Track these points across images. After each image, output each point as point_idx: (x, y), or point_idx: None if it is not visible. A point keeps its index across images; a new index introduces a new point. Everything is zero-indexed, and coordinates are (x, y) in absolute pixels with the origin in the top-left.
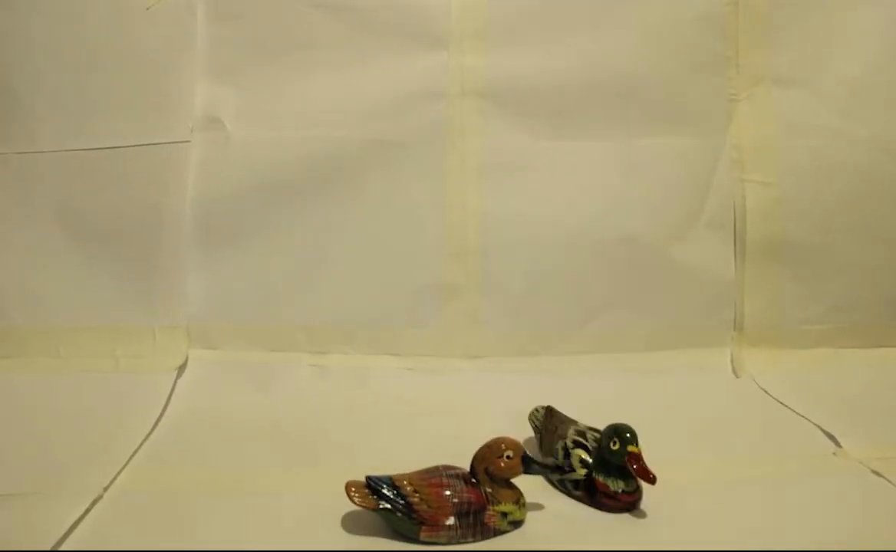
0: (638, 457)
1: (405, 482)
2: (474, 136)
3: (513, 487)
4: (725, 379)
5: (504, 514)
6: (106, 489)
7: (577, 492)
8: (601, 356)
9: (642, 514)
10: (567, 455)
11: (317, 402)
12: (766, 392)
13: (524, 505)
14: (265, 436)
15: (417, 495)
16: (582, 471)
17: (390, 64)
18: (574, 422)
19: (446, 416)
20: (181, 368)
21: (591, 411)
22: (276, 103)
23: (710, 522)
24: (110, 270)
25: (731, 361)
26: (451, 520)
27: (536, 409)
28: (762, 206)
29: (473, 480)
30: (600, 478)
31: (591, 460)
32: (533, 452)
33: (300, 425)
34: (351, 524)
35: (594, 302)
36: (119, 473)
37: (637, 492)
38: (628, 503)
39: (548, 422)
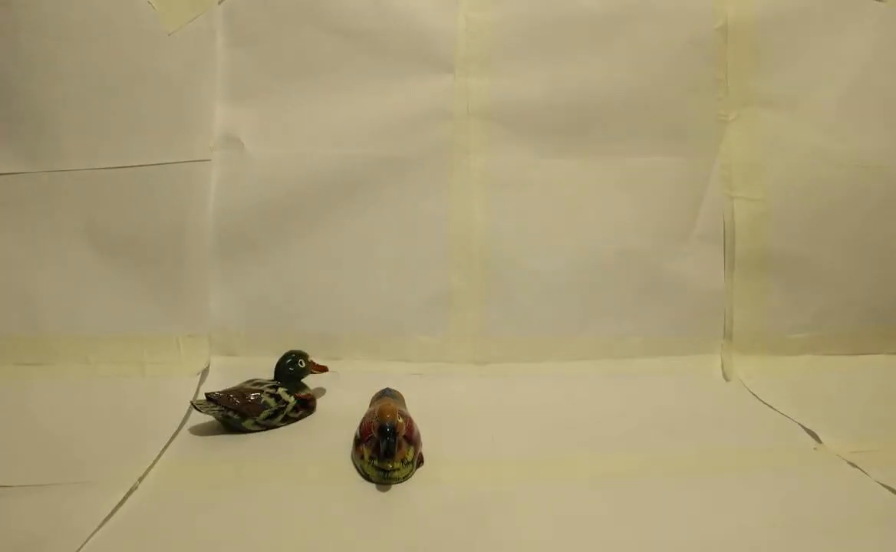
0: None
1: None
2: (479, 154)
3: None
4: (716, 383)
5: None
6: (141, 479)
7: None
8: (599, 362)
9: (635, 503)
10: None
11: (330, 405)
12: (753, 395)
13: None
14: (282, 434)
15: None
16: None
17: (400, 86)
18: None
19: (452, 418)
20: (204, 373)
21: (590, 413)
22: (291, 123)
23: (696, 508)
24: (136, 282)
25: (722, 367)
26: None
27: None
28: (750, 221)
29: None
30: None
31: None
32: None
33: (314, 425)
34: (356, 511)
35: (592, 310)
36: (152, 466)
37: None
38: None
39: None
